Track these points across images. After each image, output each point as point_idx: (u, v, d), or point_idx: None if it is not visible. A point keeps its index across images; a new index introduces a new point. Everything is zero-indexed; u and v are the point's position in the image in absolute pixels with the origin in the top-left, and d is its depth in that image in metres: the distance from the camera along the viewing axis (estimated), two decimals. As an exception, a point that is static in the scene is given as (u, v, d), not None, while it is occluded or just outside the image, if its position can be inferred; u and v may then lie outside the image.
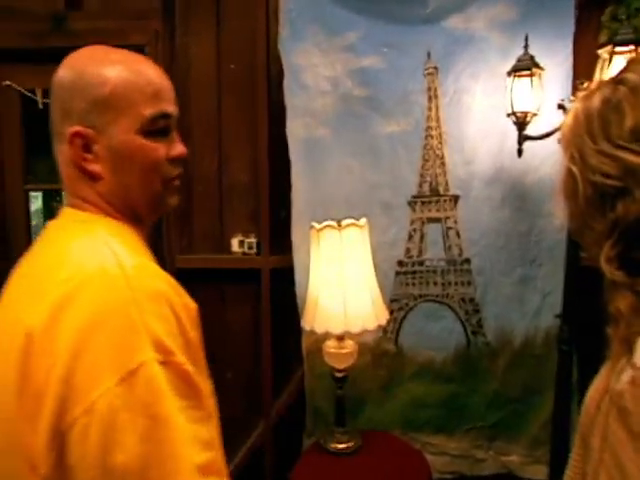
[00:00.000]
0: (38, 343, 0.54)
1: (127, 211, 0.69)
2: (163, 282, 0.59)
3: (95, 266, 0.58)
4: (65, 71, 0.66)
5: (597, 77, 1.30)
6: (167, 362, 0.54)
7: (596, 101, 0.62)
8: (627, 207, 0.58)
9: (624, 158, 0.58)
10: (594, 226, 0.62)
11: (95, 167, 0.66)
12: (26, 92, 1.85)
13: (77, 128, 0.64)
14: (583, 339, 1.52)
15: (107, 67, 0.65)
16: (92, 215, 0.67)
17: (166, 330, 0.56)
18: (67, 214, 0.69)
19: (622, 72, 0.62)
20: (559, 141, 0.68)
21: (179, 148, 0.70)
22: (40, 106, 1.85)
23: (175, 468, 0.52)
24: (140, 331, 0.54)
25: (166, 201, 0.72)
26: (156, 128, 0.67)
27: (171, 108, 0.69)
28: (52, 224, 0.70)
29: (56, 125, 0.67)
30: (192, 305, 0.62)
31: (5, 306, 0.64)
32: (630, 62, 0.64)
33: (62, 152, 0.67)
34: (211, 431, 0.59)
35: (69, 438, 0.51)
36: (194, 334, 0.60)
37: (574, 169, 0.63)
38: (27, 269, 0.66)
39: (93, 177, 0.66)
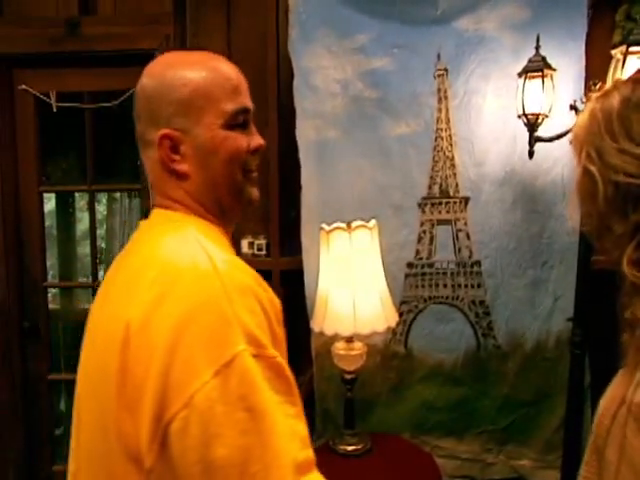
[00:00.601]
0: (136, 337, 0.56)
1: (214, 207, 0.71)
2: (250, 277, 0.60)
3: (187, 261, 0.59)
4: (147, 80, 0.69)
5: (610, 78, 1.29)
6: (259, 355, 0.55)
7: (614, 100, 0.60)
8: None
9: None
10: (614, 228, 0.60)
11: (183, 167, 0.68)
12: (41, 96, 1.88)
13: (165, 131, 0.66)
14: (595, 343, 1.50)
15: (186, 69, 0.68)
16: (182, 214, 0.69)
17: (256, 323, 0.56)
18: (158, 214, 0.71)
19: None
20: (571, 142, 0.67)
21: (258, 140, 0.73)
22: (54, 109, 1.87)
23: (275, 462, 0.52)
24: (232, 323, 0.54)
25: (247, 191, 0.73)
26: (237, 122, 0.69)
27: (249, 102, 0.73)
28: (144, 224, 0.72)
29: (143, 133, 0.69)
30: (277, 301, 0.63)
31: (103, 303, 0.67)
32: None
33: (150, 157, 0.70)
34: (306, 428, 0.58)
35: (170, 433, 0.52)
36: (279, 330, 0.61)
37: (593, 169, 0.60)
38: (121, 267, 0.68)
39: (181, 177, 0.68)
